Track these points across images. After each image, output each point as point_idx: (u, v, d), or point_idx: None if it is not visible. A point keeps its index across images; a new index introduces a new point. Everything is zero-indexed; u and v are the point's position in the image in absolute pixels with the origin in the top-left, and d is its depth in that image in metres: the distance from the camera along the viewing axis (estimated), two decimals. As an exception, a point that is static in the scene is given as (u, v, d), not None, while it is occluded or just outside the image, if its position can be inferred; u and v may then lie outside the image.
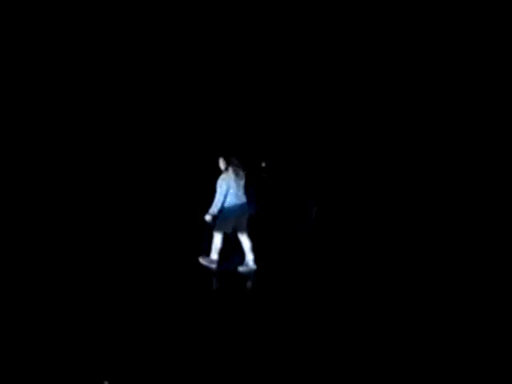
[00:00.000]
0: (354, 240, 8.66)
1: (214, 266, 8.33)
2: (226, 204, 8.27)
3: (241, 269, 8.37)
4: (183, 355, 5.31)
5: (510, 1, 9.65)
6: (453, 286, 7.22)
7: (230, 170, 8.33)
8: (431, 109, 10.12)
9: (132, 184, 10.42)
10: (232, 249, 8.78)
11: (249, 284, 7.81)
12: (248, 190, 8.56)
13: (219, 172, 8.40)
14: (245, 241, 8.45)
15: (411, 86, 10.17)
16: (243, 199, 8.45)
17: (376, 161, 9.97)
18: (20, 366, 4.98)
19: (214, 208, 8.13)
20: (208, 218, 8.10)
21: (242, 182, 8.49)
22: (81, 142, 10.59)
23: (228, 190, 8.24)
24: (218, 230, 8.30)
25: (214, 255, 8.32)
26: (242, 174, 8.46)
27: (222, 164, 8.41)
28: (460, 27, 9.83)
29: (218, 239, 8.32)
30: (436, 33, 9.96)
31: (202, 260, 8.39)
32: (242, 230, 8.43)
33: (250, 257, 8.40)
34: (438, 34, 9.95)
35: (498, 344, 5.44)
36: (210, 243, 8.34)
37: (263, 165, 8.71)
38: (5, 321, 5.98)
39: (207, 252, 8.41)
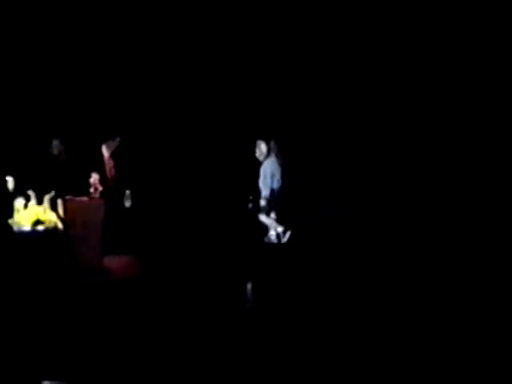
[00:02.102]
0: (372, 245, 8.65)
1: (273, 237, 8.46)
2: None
3: (283, 239, 8.44)
4: (184, 355, 5.31)
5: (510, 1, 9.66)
6: (455, 289, 7.20)
7: (272, 154, 8.56)
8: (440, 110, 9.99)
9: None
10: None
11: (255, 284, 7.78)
12: None
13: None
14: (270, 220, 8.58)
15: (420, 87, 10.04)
16: (280, 183, 8.64)
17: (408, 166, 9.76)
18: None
19: (265, 192, 8.43)
20: (263, 202, 8.45)
21: (280, 167, 8.70)
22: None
23: (273, 174, 8.48)
24: (261, 211, 8.51)
25: (277, 229, 8.43)
26: (280, 158, 8.68)
27: (263, 149, 8.57)
28: (460, 27, 9.83)
29: (264, 218, 8.51)
30: (436, 33, 9.96)
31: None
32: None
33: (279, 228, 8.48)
34: (438, 35, 9.95)
35: (497, 344, 5.44)
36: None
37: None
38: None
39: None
